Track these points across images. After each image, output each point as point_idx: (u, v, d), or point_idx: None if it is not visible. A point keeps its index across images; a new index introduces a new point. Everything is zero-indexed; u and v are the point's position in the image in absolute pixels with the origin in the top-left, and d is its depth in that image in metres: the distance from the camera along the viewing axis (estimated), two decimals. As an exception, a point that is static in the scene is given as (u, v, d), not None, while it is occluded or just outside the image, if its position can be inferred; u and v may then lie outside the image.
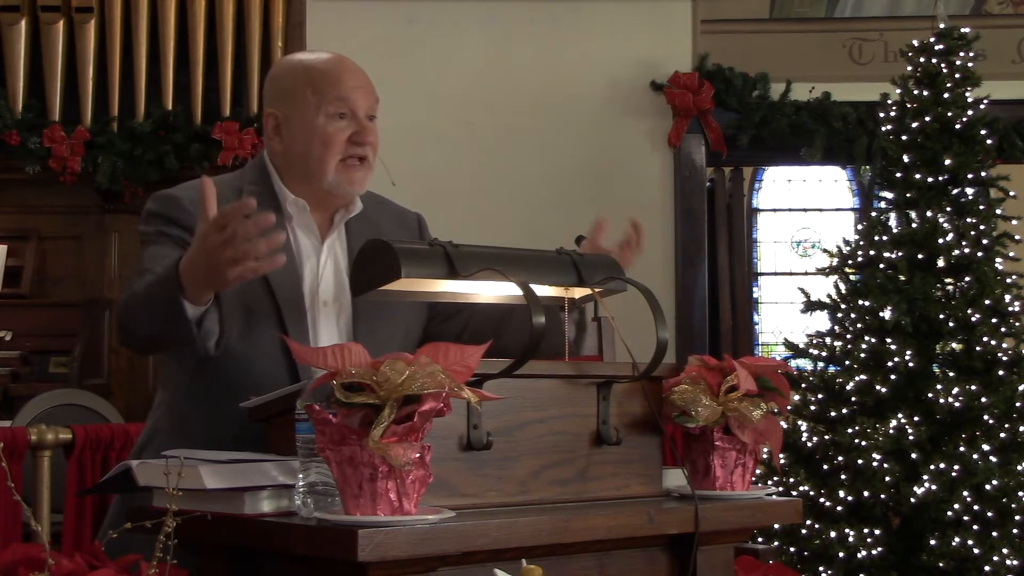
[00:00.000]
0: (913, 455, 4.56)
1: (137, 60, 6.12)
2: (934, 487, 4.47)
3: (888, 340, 4.72)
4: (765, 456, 3.84)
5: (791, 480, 4.71)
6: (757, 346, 9.04)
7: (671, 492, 2.30)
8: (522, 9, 6.53)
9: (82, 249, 6.26)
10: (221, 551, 1.94)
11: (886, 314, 4.72)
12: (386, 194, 2.65)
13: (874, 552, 4.52)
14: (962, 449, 4.55)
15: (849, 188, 9.44)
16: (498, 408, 2.02)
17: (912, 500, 4.49)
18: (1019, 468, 4.52)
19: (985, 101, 5.03)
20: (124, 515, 2.01)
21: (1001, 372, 4.63)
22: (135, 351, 2.96)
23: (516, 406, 2.07)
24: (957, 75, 5.01)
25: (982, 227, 4.83)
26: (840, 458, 4.62)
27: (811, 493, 4.65)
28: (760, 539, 3.99)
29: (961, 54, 5.04)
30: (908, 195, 4.94)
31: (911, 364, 4.67)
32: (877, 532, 4.54)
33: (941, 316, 4.71)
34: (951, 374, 4.67)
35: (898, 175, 4.97)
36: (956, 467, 4.49)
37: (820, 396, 4.80)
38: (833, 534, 4.54)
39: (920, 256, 4.83)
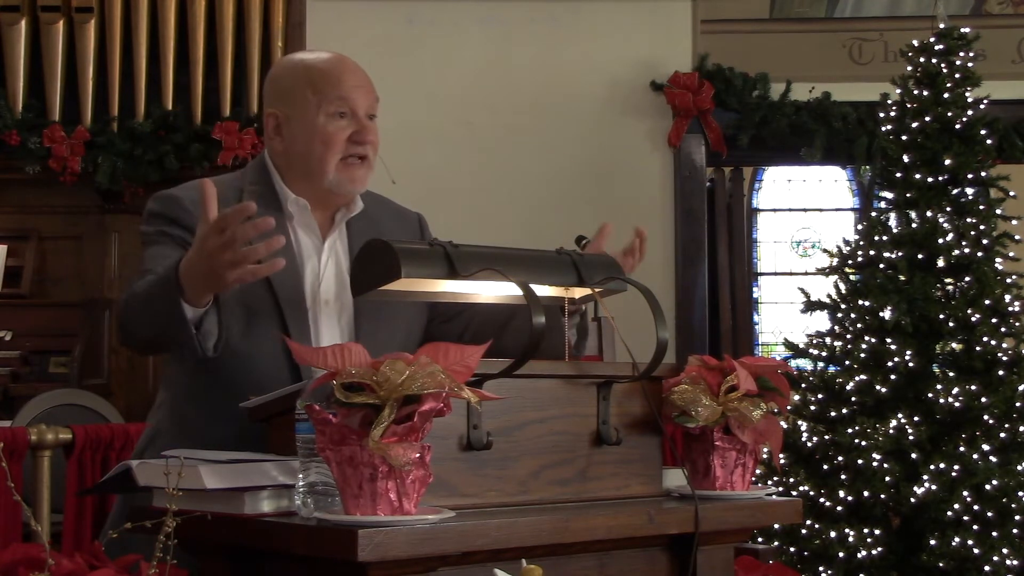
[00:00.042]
0: (913, 455, 4.56)
1: (137, 60, 6.11)
2: (934, 487, 4.47)
3: (888, 340, 4.71)
4: (765, 456, 3.84)
5: (791, 480, 4.71)
6: (757, 346, 9.03)
7: (671, 492, 2.30)
8: (522, 9, 6.53)
9: (82, 249, 6.25)
10: (221, 551, 1.94)
11: (886, 314, 4.72)
12: (386, 193, 2.65)
13: (874, 552, 4.51)
14: (962, 449, 4.54)
15: (849, 188, 9.43)
16: (498, 408, 2.02)
17: (912, 500, 4.49)
18: (1019, 468, 4.52)
19: (985, 101, 5.03)
20: (126, 516, 2.01)
21: (1001, 372, 4.63)
22: (135, 351, 2.96)
23: (516, 406, 2.07)
24: (957, 75, 5.00)
25: (982, 227, 4.83)
26: (840, 458, 4.62)
27: (811, 493, 4.65)
28: (760, 539, 3.99)
29: (961, 54, 5.04)
30: (908, 195, 4.94)
31: (911, 364, 4.67)
32: (877, 532, 4.54)
33: (941, 316, 4.70)
34: (951, 374, 4.67)
35: (898, 175, 4.97)
36: (956, 467, 4.49)
37: (820, 396, 4.80)
38: (833, 534, 4.54)
39: (920, 256, 4.83)
